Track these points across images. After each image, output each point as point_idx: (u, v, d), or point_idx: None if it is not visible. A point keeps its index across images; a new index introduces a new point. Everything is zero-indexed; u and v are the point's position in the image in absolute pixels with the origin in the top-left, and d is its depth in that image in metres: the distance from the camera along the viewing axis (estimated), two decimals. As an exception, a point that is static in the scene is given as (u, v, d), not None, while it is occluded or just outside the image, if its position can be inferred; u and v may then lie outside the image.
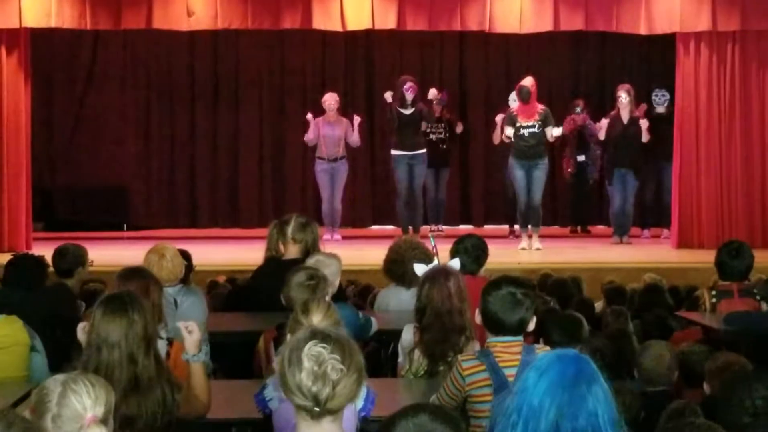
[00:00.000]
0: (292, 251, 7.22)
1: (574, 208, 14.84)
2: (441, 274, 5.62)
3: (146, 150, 15.46)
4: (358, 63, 15.54)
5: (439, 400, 4.72)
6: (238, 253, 11.96)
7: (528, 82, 12.35)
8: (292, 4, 12.33)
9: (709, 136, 12.67)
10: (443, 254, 7.45)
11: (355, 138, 13.27)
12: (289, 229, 7.27)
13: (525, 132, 12.26)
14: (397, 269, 7.36)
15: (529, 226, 12.47)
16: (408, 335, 5.78)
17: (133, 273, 5.65)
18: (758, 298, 7.10)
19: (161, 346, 4.92)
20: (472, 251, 6.84)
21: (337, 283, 6.56)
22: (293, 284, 5.71)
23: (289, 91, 15.35)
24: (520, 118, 12.29)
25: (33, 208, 12.96)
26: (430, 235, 9.21)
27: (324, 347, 3.18)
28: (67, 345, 6.00)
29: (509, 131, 12.35)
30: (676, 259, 11.94)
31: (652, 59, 15.08)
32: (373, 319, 6.70)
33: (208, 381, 4.89)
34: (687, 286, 8.84)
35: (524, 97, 12.29)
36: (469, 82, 15.59)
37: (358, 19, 12.42)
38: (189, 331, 4.79)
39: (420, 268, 6.02)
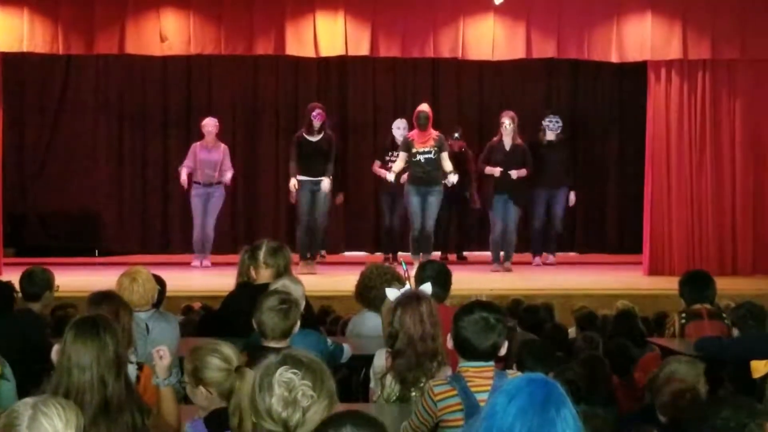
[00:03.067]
0: (263, 276, 7.19)
1: (453, 234, 14.77)
2: (413, 299, 5.61)
3: (118, 175, 15.42)
4: (331, 88, 15.57)
5: (411, 425, 4.71)
6: (210, 278, 11.94)
7: (425, 108, 12.34)
8: (266, 31, 12.36)
9: (680, 164, 12.76)
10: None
11: (227, 176, 13.15)
12: (261, 255, 7.24)
13: (421, 158, 12.22)
14: (368, 294, 7.36)
15: (421, 254, 12.30)
16: (380, 360, 5.75)
17: (103, 297, 5.63)
18: (727, 322, 7.13)
19: (131, 370, 4.90)
20: (437, 278, 6.79)
21: (301, 308, 6.54)
22: (265, 309, 5.67)
23: (261, 116, 15.35)
24: (416, 144, 12.27)
25: (4, 233, 12.90)
26: (401, 260, 9.20)
27: (295, 373, 3.18)
28: (37, 370, 5.95)
29: (402, 159, 12.28)
30: (647, 285, 11.98)
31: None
32: (346, 346, 6.69)
33: (178, 406, 4.87)
34: (657, 312, 8.87)
35: (422, 124, 12.25)
36: (442, 108, 15.64)
37: (331, 46, 12.46)
38: (160, 356, 4.78)
39: (392, 293, 6.01)
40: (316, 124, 12.62)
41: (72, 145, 15.22)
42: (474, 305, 4.82)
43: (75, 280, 10.37)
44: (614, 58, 12.63)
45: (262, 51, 12.62)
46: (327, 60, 14.07)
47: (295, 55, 12.81)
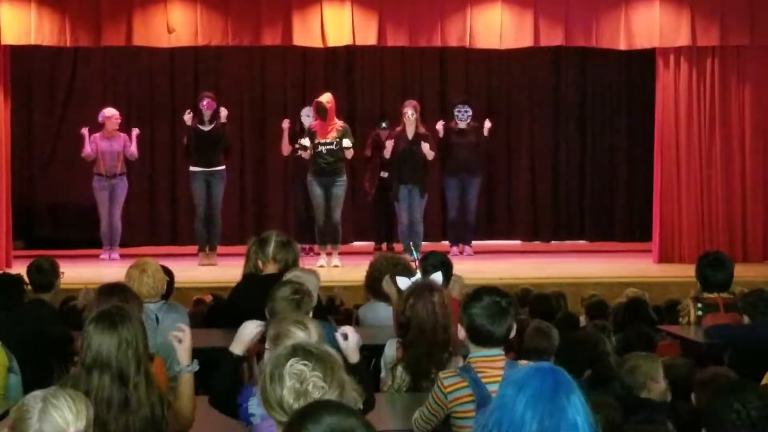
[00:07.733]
0: (271, 269, 7.19)
1: (377, 225, 14.65)
2: (425, 288, 5.58)
3: (126, 167, 15.37)
4: (339, 78, 15.54)
5: (421, 416, 4.69)
6: (219, 270, 11.94)
7: (325, 98, 12.21)
8: (273, 21, 12.34)
9: (689, 151, 12.73)
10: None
11: (132, 150, 13.15)
12: (270, 249, 7.21)
13: (323, 149, 12.11)
14: (377, 285, 7.33)
15: (329, 245, 12.31)
16: (390, 350, 5.74)
17: (112, 289, 5.61)
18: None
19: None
20: (440, 268, 6.77)
21: (315, 298, 6.53)
22: (278, 298, 5.65)
23: (269, 107, 15.33)
24: (319, 135, 12.16)
25: (13, 225, 12.90)
26: (412, 248, 9.19)
27: (306, 364, 3.18)
28: (50, 362, 5.95)
29: (306, 141, 12.23)
30: (657, 273, 11.97)
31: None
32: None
33: (194, 395, 4.84)
34: (668, 300, 8.85)
35: (322, 115, 12.13)
36: (449, 97, 15.60)
37: (338, 35, 12.44)
38: (179, 339, 4.74)
39: (403, 282, 5.98)
40: (207, 113, 12.67)
41: (80, 137, 15.18)
42: (481, 291, 4.73)
43: (84, 271, 10.39)
44: (622, 46, 12.60)
45: (270, 42, 12.61)
46: (334, 50, 14.03)
47: (302, 46, 12.80)
